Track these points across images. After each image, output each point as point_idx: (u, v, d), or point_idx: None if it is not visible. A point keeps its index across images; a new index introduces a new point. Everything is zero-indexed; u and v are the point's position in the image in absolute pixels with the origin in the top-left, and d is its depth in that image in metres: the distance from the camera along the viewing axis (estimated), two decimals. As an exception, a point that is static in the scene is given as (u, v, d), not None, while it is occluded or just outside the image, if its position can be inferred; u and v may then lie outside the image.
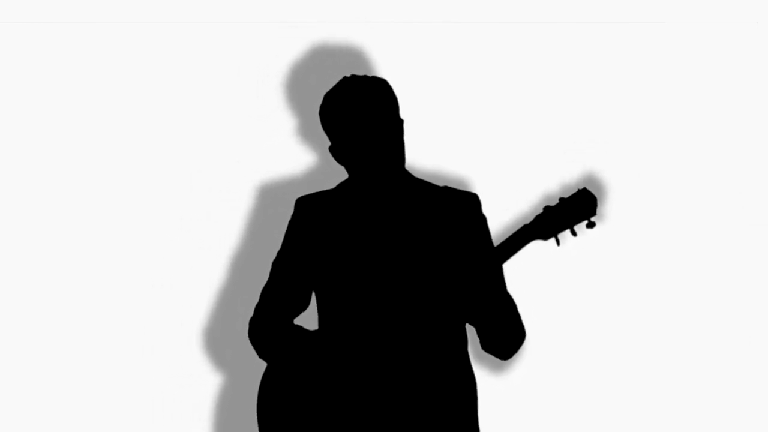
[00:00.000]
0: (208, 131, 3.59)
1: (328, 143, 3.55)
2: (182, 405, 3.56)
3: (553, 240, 3.47)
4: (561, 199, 3.00)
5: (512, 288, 3.35)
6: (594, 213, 3.00)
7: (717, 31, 3.59)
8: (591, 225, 3.00)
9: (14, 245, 3.56)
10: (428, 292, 2.94)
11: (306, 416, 2.94)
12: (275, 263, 3.08)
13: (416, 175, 3.46)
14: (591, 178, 3.58)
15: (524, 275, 3.50)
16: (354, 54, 3.57)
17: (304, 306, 3.08)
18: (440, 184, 3.47)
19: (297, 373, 2.97)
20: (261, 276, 3.34)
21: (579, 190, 3.01)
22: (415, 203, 3.02)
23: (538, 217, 2.99)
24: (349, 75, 3.06)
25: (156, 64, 3.58)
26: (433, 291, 2.94)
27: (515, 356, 3.45)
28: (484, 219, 3.05)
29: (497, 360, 3.50)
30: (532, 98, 3.60)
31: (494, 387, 3.56)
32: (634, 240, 3.58)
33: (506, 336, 2.99)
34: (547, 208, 2.99)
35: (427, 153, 3.57)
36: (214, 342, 3.57)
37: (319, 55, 3.58)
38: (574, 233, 3.01)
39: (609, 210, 3.58)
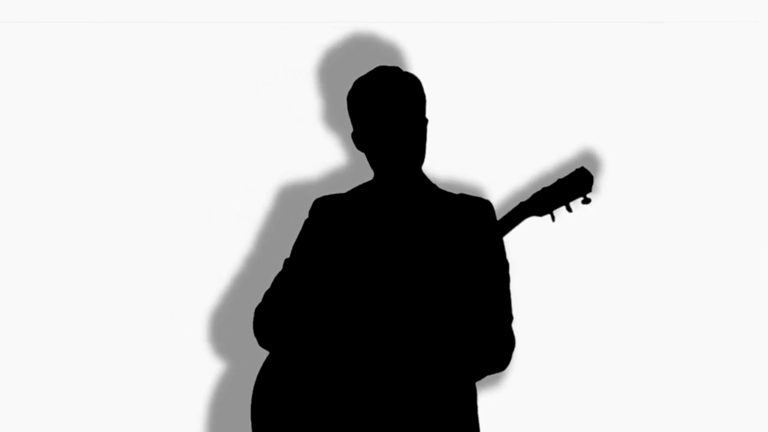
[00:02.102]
0: (208, 131, 3.59)
1: (330, 144, 3.55)
2: (181, 405, 3.56)
3: (548, 216, 3.47)
4: (558, 180, 3.04)
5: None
6: (590, 189, 3.05)
7: (717, 31, 3.59)
8: (586, 201, 3.05)
9: (15, 244, 3.57)
10: (435, 298, 2.94)
11: (301, 415, 2.94)
12: (288, 261, 3.09)
13: (429, 175, 3.45)
14: (588, 156, 3.57)
15: (519, 253, 3.50)
16: (355, 54, 3.58)
17: (313, 302, 3.09)
18: (449, 184, 3.48)
19: (295, 372, 2.97)
20: (261, 277, 3.34)
21: (576, 170, 3.05)
22: (430, 211, 3.02)
23: (535, 195, 3.03)
24: (381, 65, 3.08)
25: (156, 65, 3.59)
26: (440, 298, 2.94)
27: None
28: (496, 226, 3.05)
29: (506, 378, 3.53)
30: (530, 98, 3.60)
31: (496, 392, 3.56)
32: (629, 220, 3.59)
33: (487, 348, 2.97)
34: (544, 189, 3.03)
35: (434, 150, 3.57)
36: (214, 343, 3.57)
37: (319, 56, 3.58)
38: (569, 209, 3.06)
39: (604, 187, 3.58)
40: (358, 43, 3.59)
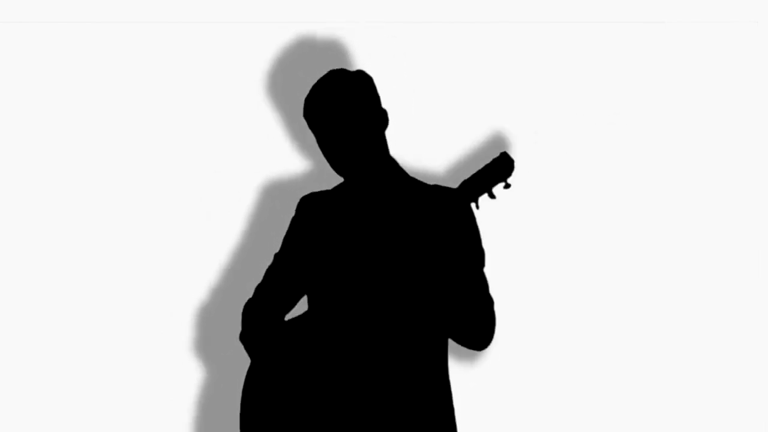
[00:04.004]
0: (207, 131, 3.59)
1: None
2: (177, 405, 3.57)
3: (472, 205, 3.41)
4: (479, 170, 3.02)
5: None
6: (509, 174, 3.01)
7: (717, 31, 3.59)
8: (507, 186, 3.02)
9: (12, 243, 3.57)
10: (417, 294, 2.95)
11: (287, 414, 2.95)
12: (277, 255, 3.14)
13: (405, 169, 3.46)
14: (583, 157, 3.57)
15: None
16: (354, 54, 3.58)
17: (300, 297, 3.14)
18: (428, 181, 3.49)
19: (281, 368, 2.99)
20: (256, 277, 3.35)
21: (496, 157, 3.03)
22: (407, 203, 3.04)
23: (462, 183, 3.01)
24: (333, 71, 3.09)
25: (156, 65, 3.59)
26: (422, 293, 2.95)
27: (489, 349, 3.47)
28: (471, 215, 3.07)
29: (482, 365, 3.54)
30: (520, 98, 3.61)
31: (475, 391, 3.57)
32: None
33: (477, 328, 3.00)
34: (465, 181, 3.01)
35: (412, 148, 3.58)
36: (211, 344, 3.57)
37: (318, 57, 3.59)
38: (492, 196, 3.03)
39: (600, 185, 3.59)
40: (359, 44, 3.59)
